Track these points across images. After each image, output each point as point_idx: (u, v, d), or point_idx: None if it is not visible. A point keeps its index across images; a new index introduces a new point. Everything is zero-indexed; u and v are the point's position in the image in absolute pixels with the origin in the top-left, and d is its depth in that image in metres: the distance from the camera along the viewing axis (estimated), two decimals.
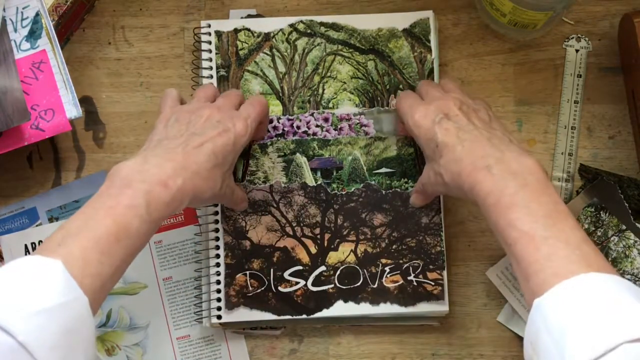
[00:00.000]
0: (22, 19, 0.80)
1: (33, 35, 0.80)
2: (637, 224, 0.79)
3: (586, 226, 0.80)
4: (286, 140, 0.80)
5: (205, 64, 0.82)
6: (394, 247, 0.79)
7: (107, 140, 0.85)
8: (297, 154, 0.80)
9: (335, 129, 0.81)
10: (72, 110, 0.79)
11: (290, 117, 0.81)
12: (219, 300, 0.79)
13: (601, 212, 0.80)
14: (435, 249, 0.79)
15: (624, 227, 0.80)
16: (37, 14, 0.80)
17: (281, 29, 0.82)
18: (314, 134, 0.81)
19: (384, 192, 0.79)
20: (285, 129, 0.81)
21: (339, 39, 0.82)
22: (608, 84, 0.84)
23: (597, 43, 0.85)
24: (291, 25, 0.82)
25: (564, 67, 0.84)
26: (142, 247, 0.63)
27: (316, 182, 0.80)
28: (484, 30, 0.85)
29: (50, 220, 0.84)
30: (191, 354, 0.83)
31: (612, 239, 0.80)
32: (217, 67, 0.82)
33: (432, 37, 0.82)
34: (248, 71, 0.82)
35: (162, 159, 0.65)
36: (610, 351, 0.51)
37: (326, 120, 0.81)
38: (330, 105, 0.81)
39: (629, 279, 0.78)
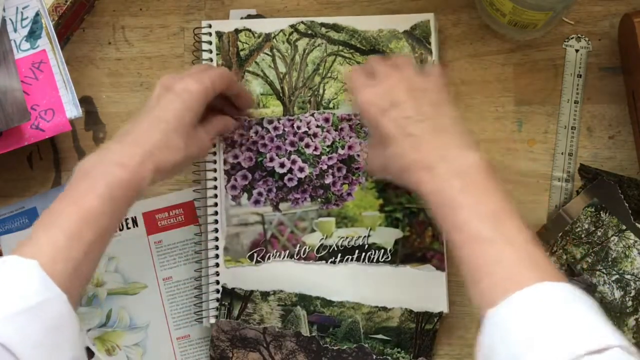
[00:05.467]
0: (22, 19, 0.80)
1: (33, 35, 0.80)
2: (637, 224, 0.79)
3: (586, 226, 0.80)
4: (289, 293, 0.79)
5: (205, 64, 0.82)
6: None
7: (107, 140, 0.85)
8: (298, 307, 0.78)
9: (335, 130, 0.81)
10: (72, 110, 0.79)
11: (290, 118, 0.81)
12: (218, 300, 0.79)
13: (601, 212, 0.80)
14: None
15: (624, 227, 0.80)
16: (37, 14, 0.80)
17: (282, 30, 0.82)
18: (315, 134, 0.81)
19: (374, 356, 0.78)
20: (286, 129, 0.81)
21: (339, 40, 0.82)
22: (608, 84, 0.84)
23: (597, 43, 0.85)
24: (292, 26, 0.82)
25: (564, 67, 0.84)
26: (112, 230, 0.64)
27: (310, 334, 0.78)
28: (484, 30, 0.85)
29: None
30: (191, 354, 0.83)
31: (612, 239, 0.80)
32: None
33: (433, 39, 0.82)
34: (249, 71, 0.82)
35: (120, 143, 0.66)
36: None
37: (327, 120, 0.81)
38: (331, 105, 0.81)
39: (629, 279, 0.78)
